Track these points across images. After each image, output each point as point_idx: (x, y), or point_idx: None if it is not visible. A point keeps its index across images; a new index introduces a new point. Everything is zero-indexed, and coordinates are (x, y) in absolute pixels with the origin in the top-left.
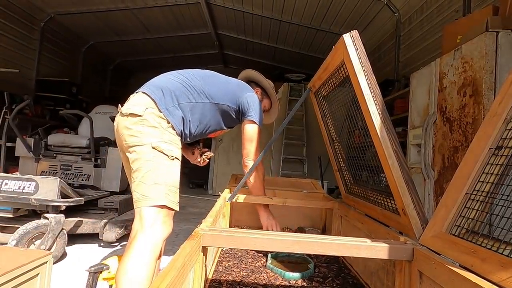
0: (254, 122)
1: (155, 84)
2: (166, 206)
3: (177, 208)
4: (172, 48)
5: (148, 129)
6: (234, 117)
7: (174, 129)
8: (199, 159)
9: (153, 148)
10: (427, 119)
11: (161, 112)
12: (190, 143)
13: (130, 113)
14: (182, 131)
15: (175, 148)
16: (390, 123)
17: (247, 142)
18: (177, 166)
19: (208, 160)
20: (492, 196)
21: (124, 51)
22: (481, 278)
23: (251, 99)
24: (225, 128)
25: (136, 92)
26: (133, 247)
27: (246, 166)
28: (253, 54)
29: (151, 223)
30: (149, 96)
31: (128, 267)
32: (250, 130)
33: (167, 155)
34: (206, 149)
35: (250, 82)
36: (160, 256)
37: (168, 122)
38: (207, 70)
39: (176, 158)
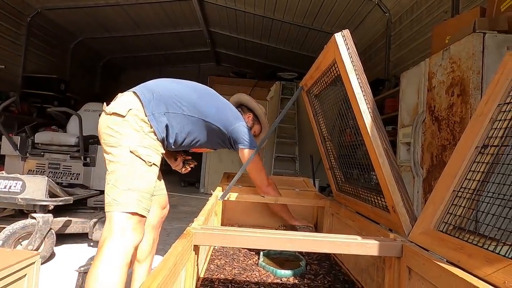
0: (249, 147)
1: (148, 86)
2: (138, 213)
3: (148, 216)
4: (164, 46)
5: (128, 131)
6: (221, 142)
7: (155, 135)
8: (181, 166)
9: (130, 152)
10: (416, 118)
11: (146, 116)
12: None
13: (113, 112)
14: (165, 139)
15: (154, 154)
16: (381, 122)
17: (252, 171)
18: (153, 172)
19: (190, 169)
20: (478, 193)
21: (114, 47)
22: (468, 273)
23: (241, 128)
24: (210, 147)
25: (128, 91)
26: (103, 253)
27: (266, 193)
28: (246, 52)
29: (121, 229)
30: (138, 97)
31: (99, 272)
32: (248, 156)
33: (144, 161)
34: (190, 157)
35: (242, 105)
36: (152, 257)
37: (151, 127)
38: (205, 87)
39: (154, 164)
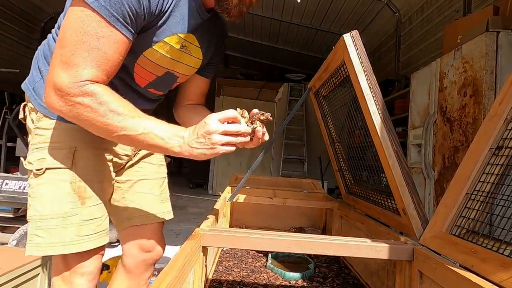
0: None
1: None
2: (33, 255)
3: (78, 249)
4: None
5: (29, 138)
6: None
7: (49, 117)
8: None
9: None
10: (428, 119)
11: (30, 101)
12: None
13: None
14: None
15: (51, 153)
16: (391, 123)
17: (57, 47)
18: (50, 181)
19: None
20: (492, 196)
21: None
22: (482, 278)
23: None
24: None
25: None
26: None
27: (50, 102)
28: (254, 54)
29: (54, 281)
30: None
31: None
32: (68, 20)
33: (32, 171)
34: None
35: None
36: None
37: (37, 112)
38: None
39: (48, 168)
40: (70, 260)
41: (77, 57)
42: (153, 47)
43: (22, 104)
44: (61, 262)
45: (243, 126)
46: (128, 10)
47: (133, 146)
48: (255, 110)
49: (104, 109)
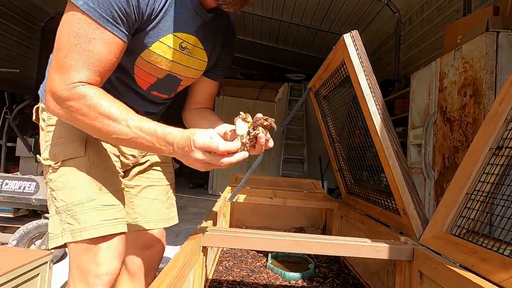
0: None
1: None
2: (70, 242)
3: (99, 233)
4: None
5: (41, 137)
6: None
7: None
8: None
9: (44, 165)
10: (428, 119)
11: (41, 101)
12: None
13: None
14: None
15: (64, 145)
16: (391, 123)
17: (53, 52)
18: (69, 170)
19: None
20: (492, 196)
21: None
22: (482, 278)
23: None
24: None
25: None
26: None
27: (49, 106)
28: (254, 54)
29: (70, 278)
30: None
31: None
32: (61, 25)
33: (50, 166)
34: (273, 120)
35: None
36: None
37: (47, 111)
38: None
39: (66, 159)
40: (88, 254)
41: (69, 59)
42: (150, 48)
43: (35, 106)
44: (78, 256)
45: (226, 160)
46: (118, 10)
47: (129, 147)
48: (259, 115)
49: (94, 112)
